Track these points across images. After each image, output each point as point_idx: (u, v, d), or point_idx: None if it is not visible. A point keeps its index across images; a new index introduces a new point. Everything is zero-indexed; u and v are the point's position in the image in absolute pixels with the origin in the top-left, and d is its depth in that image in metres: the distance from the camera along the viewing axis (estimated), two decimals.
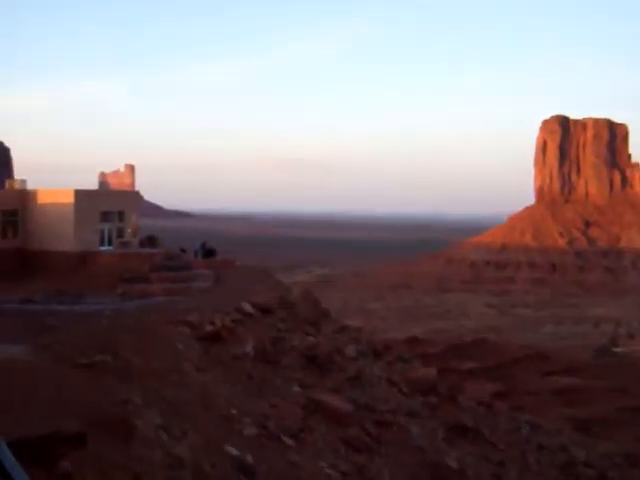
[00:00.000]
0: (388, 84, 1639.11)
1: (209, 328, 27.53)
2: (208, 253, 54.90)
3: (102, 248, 51.36)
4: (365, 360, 39.31)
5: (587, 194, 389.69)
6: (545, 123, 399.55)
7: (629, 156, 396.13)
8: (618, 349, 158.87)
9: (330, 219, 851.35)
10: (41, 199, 50.97)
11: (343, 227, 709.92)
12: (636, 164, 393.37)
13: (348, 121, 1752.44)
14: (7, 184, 54.78)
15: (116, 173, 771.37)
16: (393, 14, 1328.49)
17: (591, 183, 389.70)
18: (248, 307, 34.18)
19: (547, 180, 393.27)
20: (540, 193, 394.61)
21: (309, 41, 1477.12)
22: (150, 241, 54.66)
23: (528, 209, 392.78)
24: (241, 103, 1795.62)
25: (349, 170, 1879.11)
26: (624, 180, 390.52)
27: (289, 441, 20.56)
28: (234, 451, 16.59)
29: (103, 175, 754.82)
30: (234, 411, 20.33)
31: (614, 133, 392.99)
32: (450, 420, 34.55)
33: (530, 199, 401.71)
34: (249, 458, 16.56)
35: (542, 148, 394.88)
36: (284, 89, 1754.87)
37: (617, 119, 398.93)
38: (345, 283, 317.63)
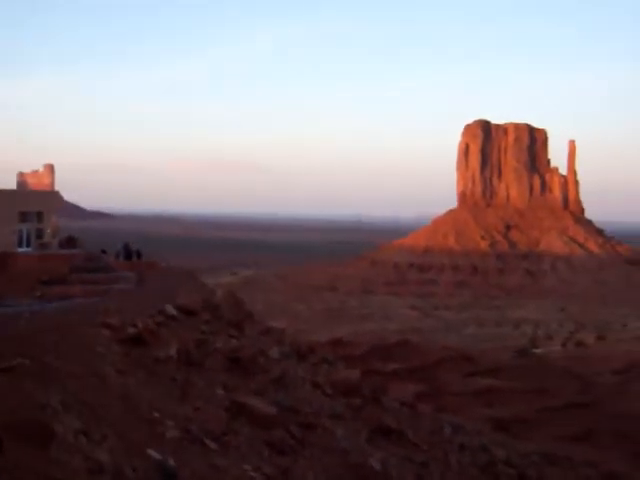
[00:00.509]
0: (312, 85, 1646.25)
1: (131, 330, 27.09)
2: (131, 254, 54.25)
3: (20, 249, 50.28)
4: (289, 362, 39.31)
5: (508, 198, 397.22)
6: (467, 127, 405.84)
7: (548, 161, 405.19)
8: (537, 350, 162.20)
9: (255, 221, 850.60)
10: None
11: (268, 228, 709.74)
12: (555, 169, 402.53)
13: (275, 122, 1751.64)
14: None
15: (35, 173, 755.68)
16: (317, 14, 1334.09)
17: (512, 187, 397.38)
18: (171, 309, 33.83)
19: (469, 184, 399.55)
20: (462, 197, 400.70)
21: (242, 40, 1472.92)
22: (70, 242, 53.79)
23: (451, 212, 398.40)
24: (167, 103, 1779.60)
25: (274, 171, 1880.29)
26: (543, 184, 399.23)
27: (212, 444, 20.34)
28: (156, 454, 16.32)
29: (22, 175, 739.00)
30: (156, 414, 20.03)
31: (534, 138, 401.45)
32: (374, 421, 34.71)
33: (454, 202, 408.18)
34: (171, 461, 16.31)
35: (464, 152, 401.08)
36: (213, 89, 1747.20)
37: (537, 124, 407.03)
38: (269, 285, 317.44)
